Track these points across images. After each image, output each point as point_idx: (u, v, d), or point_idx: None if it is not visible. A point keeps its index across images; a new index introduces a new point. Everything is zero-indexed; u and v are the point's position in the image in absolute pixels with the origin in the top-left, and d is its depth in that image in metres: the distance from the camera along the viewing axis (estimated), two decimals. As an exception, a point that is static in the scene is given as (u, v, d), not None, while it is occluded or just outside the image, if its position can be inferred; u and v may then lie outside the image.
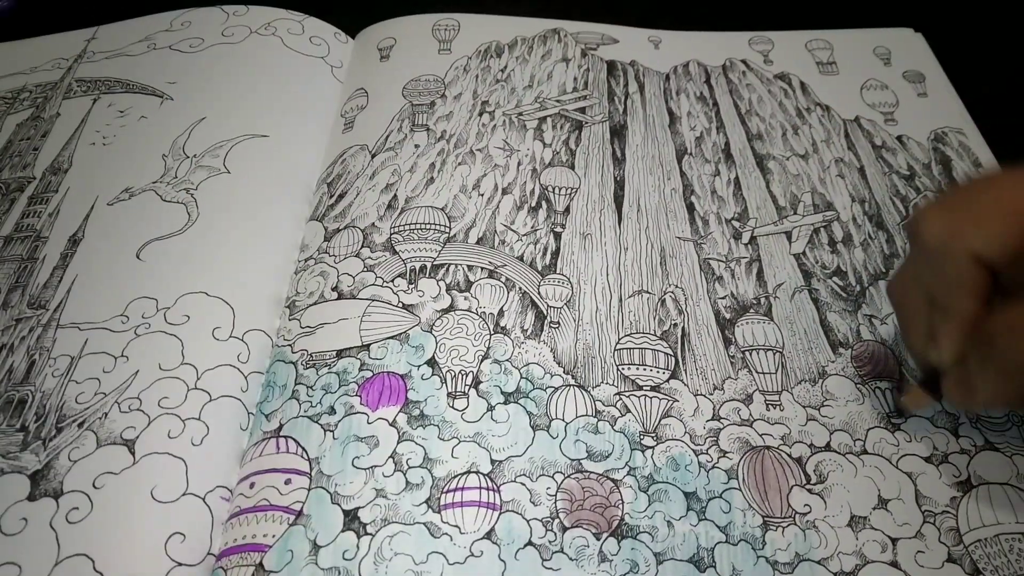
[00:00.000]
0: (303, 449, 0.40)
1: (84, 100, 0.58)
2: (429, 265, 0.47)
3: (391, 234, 0.49)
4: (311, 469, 0.39)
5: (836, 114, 0.57)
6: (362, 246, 0.48)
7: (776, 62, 0.61)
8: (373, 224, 0.50)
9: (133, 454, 0.38)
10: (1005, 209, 0.30)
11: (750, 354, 0.44)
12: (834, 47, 0.61)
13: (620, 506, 0.38)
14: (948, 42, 0.62)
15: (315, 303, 0.46)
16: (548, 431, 0.40)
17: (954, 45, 0.61)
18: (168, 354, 0.42)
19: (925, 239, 0.32)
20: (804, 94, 0.58)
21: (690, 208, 0.51)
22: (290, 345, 0.44)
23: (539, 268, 0.47)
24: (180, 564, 0.36)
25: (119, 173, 0.52)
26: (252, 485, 0.39)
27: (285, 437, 0.40)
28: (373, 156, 0.54)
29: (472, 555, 0.36)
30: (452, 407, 0.41)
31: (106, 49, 0.62)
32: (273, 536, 0.37)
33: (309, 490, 0.38)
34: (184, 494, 0.38)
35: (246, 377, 0.43)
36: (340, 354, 0.43)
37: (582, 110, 0.57)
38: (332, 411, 0.41)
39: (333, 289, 0.46)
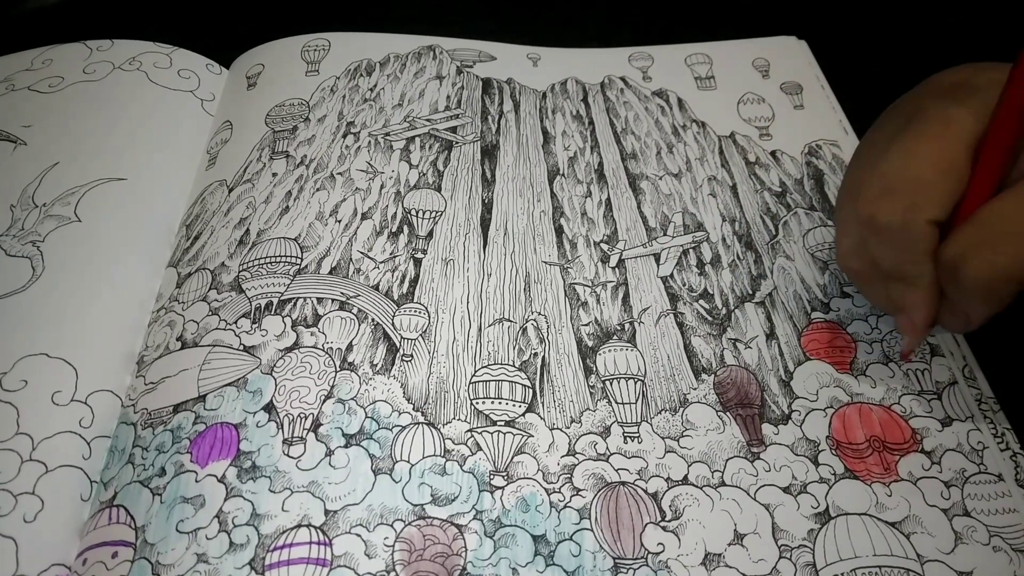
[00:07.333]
0: (131, 518, 0.36)
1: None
2: (276, 301, 0.44)
3: (239, 272, 0.46)
4: (136, 539, 0.36)
5: (712, 130, 0.55)
6: (210, 288, 0.45)
7: (655, 78, 0.59)
8: (223, 263, 0.47)
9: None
10: (935, 169, 0.33)
11: (611, 383, 0.42)
12: (714, 61, 0.60)
13: (463, 554, 0.35)
14: (832, 48, 0.61)
15: (160, 356, 0.43)
16: (391, 475, 0.38)
17: (838, 51, 0.61)
18: (2, 424, 0.39)
19: (880, 221, 0.34)
20: (681, 111, 0.57)
21: (559, 231, 0.49)
22: (133, 405, 0.41)
23: (395, 297, 0.45)
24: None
25: (-38, 228, 0.48)
26: (85, 561, 0.36)
27: (117, 506, 0.37)
28: (230, 191, 0.51)
29: (297, 617, 0.33)
30: (287, 455, 0.38)
31: (-38, 93, 0.58)
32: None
33: (133, 562, 0.35)
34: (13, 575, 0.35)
35: (89, 443, 0.39)
36: (176, 409, 0.40)
37: (453, 129, 0.55)
38: (163, 472, 0.38)
39: (178, 339, 0.43)
